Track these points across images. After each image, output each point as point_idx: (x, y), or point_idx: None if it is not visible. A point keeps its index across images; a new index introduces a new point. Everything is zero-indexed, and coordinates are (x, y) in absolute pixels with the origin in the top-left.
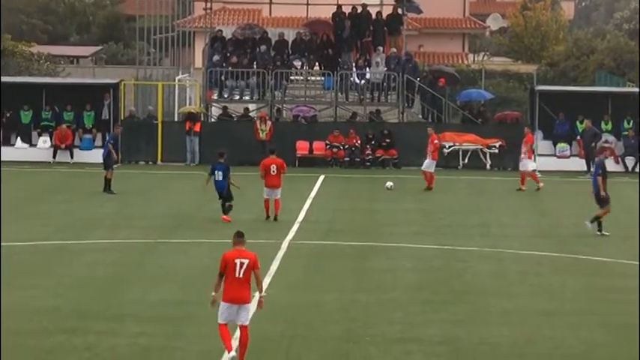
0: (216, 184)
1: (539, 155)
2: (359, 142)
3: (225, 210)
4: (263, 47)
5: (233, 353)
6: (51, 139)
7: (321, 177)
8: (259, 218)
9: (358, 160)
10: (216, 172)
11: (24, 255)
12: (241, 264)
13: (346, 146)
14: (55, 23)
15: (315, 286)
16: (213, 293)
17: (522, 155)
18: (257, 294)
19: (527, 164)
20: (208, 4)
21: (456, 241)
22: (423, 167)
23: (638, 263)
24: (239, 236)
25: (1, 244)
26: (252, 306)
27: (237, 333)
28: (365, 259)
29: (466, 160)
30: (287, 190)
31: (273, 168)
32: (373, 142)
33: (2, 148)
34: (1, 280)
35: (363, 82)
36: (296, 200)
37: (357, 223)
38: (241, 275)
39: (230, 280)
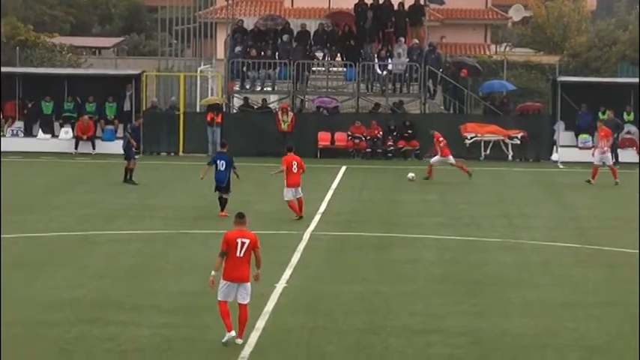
0: (218, 175)
1: (561, 146)
2: (381, 133)
3: (222, 204)
4: (285, 38)
5: (233, 333)
6: (73, 130)
7: (343, 168)
8: (280, 209)
9: (380, 151)
10: (218, 162)
11: (46, 246)
12: (242, 243)
13: (368, 137)
14: (78, 14)
15: (336, 278)
16: (214, 272)
17: (605, 149)
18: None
19: (610, 158)
20: None
21: (478, 232)
22: (432, 161)
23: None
24: (240, 217)
25: (23, 235)
26: (272, 293)
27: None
28: (386, 250)
29: (488, 151)
30: (309, 182)
31: (295, 165)
32: (395, 133)
33: (24, 138)
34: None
35: (385, 73)
36: (318, 191)
37: (378, 214)
38: (242, 254)
39: (231, 259)
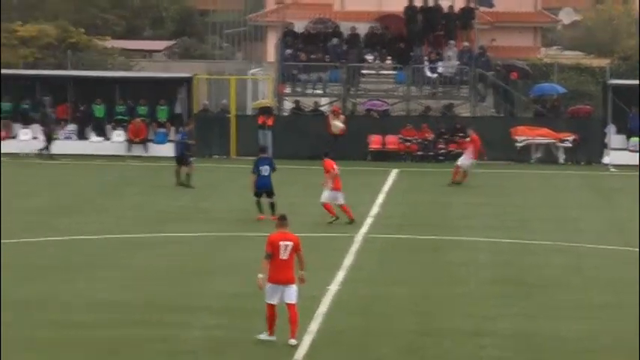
0: (262, 180)
1: (612, 149)
2: (432, 136)
3: (272, 209)
4: (335, 41)
5: (272, 338)
6: (125, 133)
7: (395, 171)
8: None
9: (431, 154)
10: (261, 167)
11: (97, 248)
12: (286, 246)
13: (419, 140)
14: (129, 18)
15: (389, 280)
16: (261, 275)
17: None
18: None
19: None
20: None
21: (529, 235)
22: (459, 163)
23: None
24: (282, 219)
25: (74, 237)
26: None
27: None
28: (439, 252)
29: (539, 154)
30: (360, 184)
31: (337, 169)
32: (446, 136)
33: (77, 141)
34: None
35: (435, 75)
36: (369, 194)
37: (430, 216)
38: (286, 257)
39: (275, 261)
